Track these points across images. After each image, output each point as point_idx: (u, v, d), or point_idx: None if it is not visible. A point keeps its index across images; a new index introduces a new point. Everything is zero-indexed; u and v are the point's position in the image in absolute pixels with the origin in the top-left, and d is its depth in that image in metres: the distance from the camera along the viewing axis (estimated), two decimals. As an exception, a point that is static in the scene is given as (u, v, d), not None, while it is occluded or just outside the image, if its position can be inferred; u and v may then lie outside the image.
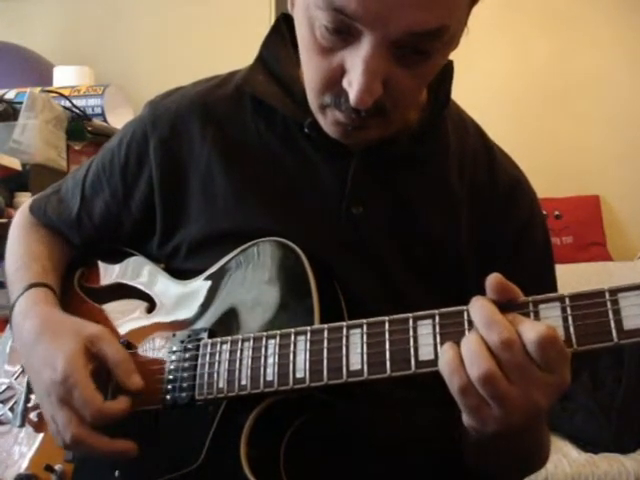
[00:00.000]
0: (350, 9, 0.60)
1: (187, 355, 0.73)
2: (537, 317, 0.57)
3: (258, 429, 0.67)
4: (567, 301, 0.56)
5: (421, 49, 0.63)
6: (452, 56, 0.72)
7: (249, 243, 0.74)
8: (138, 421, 0.73)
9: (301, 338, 0.65)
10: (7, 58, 2.81)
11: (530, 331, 0.54)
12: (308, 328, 0.66)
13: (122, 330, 0.82)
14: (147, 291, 0.84)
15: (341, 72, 0.65)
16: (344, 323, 0.64)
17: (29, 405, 0.85)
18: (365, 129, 0.69)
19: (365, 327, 0.63)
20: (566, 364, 0.55)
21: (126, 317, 0.83)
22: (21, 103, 2.12)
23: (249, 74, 0.81)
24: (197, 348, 0.72)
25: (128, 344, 0.79)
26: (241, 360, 0.68)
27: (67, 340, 0.73)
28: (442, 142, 0.79)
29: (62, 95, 2.36)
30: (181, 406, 0.71)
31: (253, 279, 0.73)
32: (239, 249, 0.75)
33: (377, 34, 0.61)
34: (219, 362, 0.70)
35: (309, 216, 0.77)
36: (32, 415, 0.85)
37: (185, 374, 0.72)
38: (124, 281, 0.88)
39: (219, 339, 0.71)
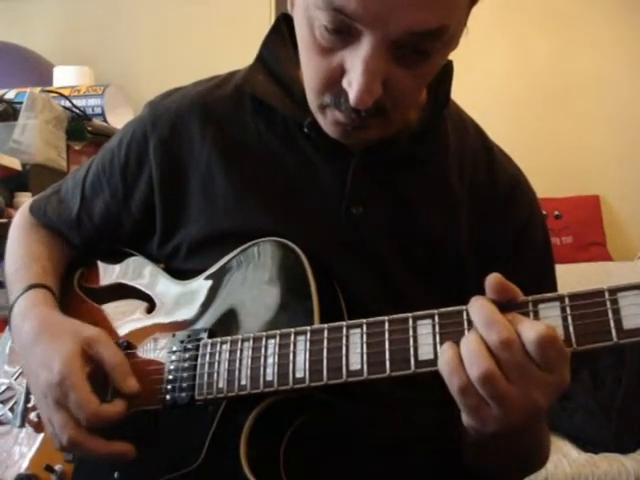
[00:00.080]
0: (350, 9, 0.60)
1: (187, 355, 0.73)
2: (536, 317, 0.57)
3: (258, 429, 0.67)
4: (566, 301, 0.56)
5: (421, 49, 0.63)
6: (452, 56, 0.72)
7: (249, 243, 0.74)
8: (138, 421, 0.73)
9: (301, 338, 0.65)
10: (7, 58, 2.81)
11: (529, 331, 0.54)
12: (308, 328, 0.66)
13: (122, 330, 0.82)
14: (147, 291, 0.84)
15: (341, 72, 0.65)
16: (344, 323, 0.64)
17: (29, 405, 0.85)
18: (365, 129, 0.69)
19: (365, 327, 0.63)
20: (565, 364, 0.55)
21: (126, 317, 0.83)
22: (21, 103, 2.12)
23: (249, 74, 0.81)
24: (197, 348, 0.72)
25: (128, 344, 0.79)
26: (241, 360, 0.68)
27: (64, 342, 0.73)
28: (442, 142, 0.79)
29: (62, 95, 2.36)
30: (181, 406, 0.71)
31: (253, 279, 0.73)
32: (239, 249, 0.75)
33: (377, 34, 0.61)
34: (219, 362, 0.70)
35: (309, 216, 0.77)
36: (32, 415, 0.85)
37: (185, 374, 0.72)
38: (124, 281, 0.88)
39: (219, 339, 0.71)
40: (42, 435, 0.84)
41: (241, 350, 0.69)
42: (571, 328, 0.55)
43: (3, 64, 2.76)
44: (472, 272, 0.76)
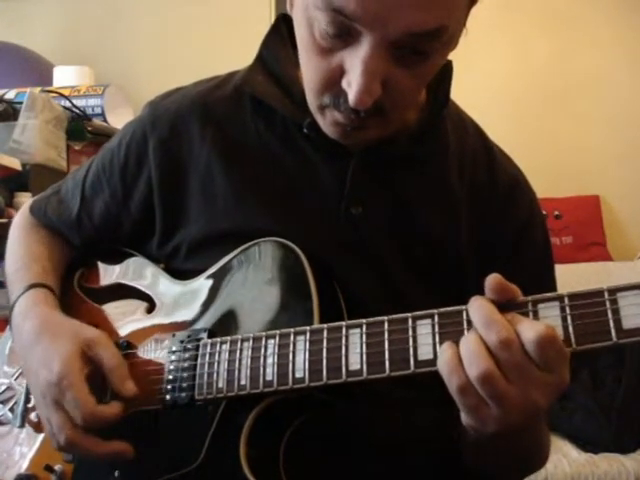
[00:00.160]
0: (349, 10, 0.60)
1: (187, 355, 0.73)
2: (536, 317, 0.57)
3: (257, 429, 0.67)
4: (566, 300, 0.56)
5: (420, 49, 0.63)
6: (452, 56, 0.72)
7: (249, 243, 0.74)
8: (138, 421, 0.73)
9: (300, 338, 0.65)
10: (7, 58, 2.82)
11: (529, 330, 0.54)
12: (307, 328, 0.66)
13: (122, 330, 0.82)
14: (147, 291, 0.84)
15: (340, 73, 0.65)
16: (343, 323, 0.64)
17: (29, 406, 0.85)
18: (364, 129, 0.69)
19: (364, 327, 0.63)
20: (565, 363, 0.55)
21: (126, 317, 0.84)
22: (21, 103, 2.12)
23: (248, 74, 0.81)
24: (197, 348, 0.72)
25: (128, 344, 0.79)
26: (240, 360, 0.68)
27: (65, 342, 0.73)
28: (441, 142, 0.79)
29: (62, 95, 2.36)
30: (181, 406, 0.71)
31: (253, 279, 0.73)
32: (239, 249, 0.75)
33: (376, 35, 0.61)
34: (218, 362, 0.70)
35: (309, 216, 0.77)
36: (32, 416, 0.85)
37: (185, 374, 0.72)
38: (124, 281, 0.88)
39: (218, 339, 0.71)
40: (42, 435, 0.84)
41: (241, 350, 0.69)
42: (570, 328, 0.55)
43: (3, 64, 2.76)
44: (472, 272, 0.76)
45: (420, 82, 0.69)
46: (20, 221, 0.96)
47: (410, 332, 0.61)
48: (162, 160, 0.81)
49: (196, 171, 0.80)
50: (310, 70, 0.68)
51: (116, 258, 0.89)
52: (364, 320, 0.63)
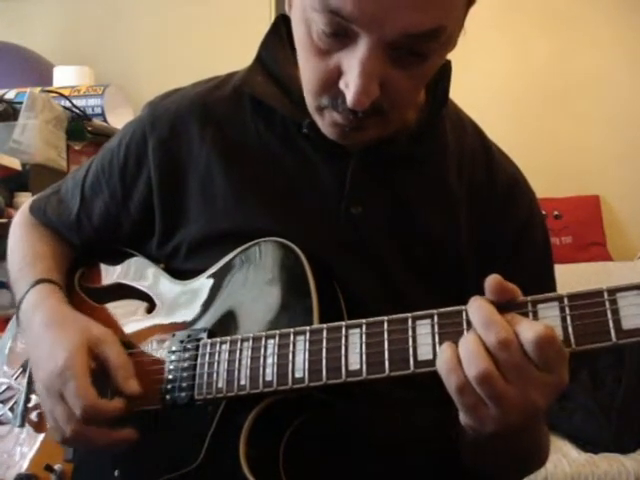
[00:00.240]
0: (346, 11, 0.60)
1: (186, 355, 0.73)
2: (535, 317, 0.57)
3: (257, 429, 0.67)
4: (565, 301, 0.56)
5: (417, 50, 0.63)
6: (452, 56, 0.72)
7: (249, 243, 0.74)
8: (138, 421, 0.73)
9: (300, 338, 0.65)
10: (7, 58, 2.81)
11: (528, 331, 0.54)
12: (307, 328, 0.66)
13: (122, 330, 0.82)
14: (147, 291, 0.84)
15: (338, 74, 0.65)
16: (343, 323, 0.64)
17: (29, 405, 0.85)
18: (362, 130, 0.69)
19: (364, 327, 0.63)
20: (564, 364, 0.55)
21: (126, 317, 0.84)
22: (21, 103, 2.12)
23: (248, 75, 0.81)
24: (196, 348, 0.72)
25: (128, 344, 0.79)
26: (240, 360, 0.68)
27: (72, 336, 0.74)
28: (440, 142, 0.79)
29: (62, 95, 2.36)
30: (180, 406, 0.71)
31: (253, 279, 0.73)
32: (239, 249, 0.75)
33: (373, 36, 0.61)
34: (218, 362, 0.70)
35: (309, 216, 0.77)
36: (32, 415, 0.85)
37: (184, 374, 0.72)
38: (124, 281, 0.88)
39: (218, 339, 0.71)
40: (42, 435, 0.84)
41: (240, 350, 0.69)
42: (570, 328, 0.55)
43: (3, 64, 2.76)
44: (472, 272, 0.76)
45: (418, 83, 0.69)
46: (21, 220, 0.96)
47: (410, 332, 0.61)
48: (162, 160, 0.81)
49: (196, 171, 0.80)
50: (308, 71, 0.68)
51: (116, 258, 0.90)
52: (364, 320, 0.63)
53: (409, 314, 0.62)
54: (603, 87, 3.00)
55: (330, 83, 0.66)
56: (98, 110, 2.42)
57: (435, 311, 0.61)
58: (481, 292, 0.59)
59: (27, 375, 0.86)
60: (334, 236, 0.75)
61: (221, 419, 0.69)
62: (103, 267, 0.92)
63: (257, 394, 0.66)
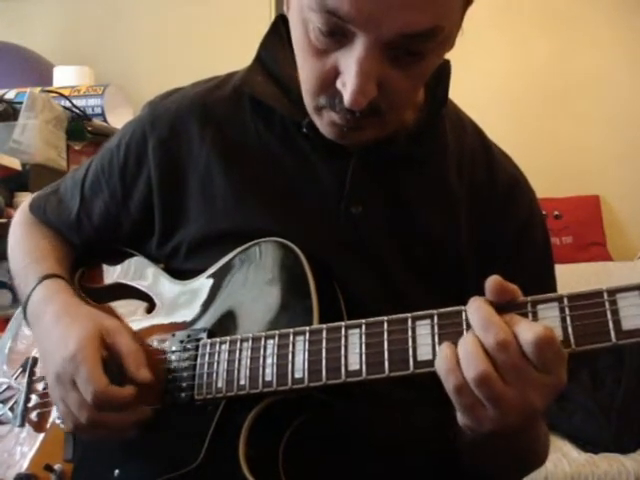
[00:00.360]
0: (343, 11, 0.60)
1: (186, 355, 0.73)
2: (535, 317, 0.57)
3: (257, 429, 0.67)
4: (565, 301, 0.56)
5: (414, 50, 0.63)
6: (451, 56, 0.72)
7: (249, 243, 0.74)
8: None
9: (300, 338, 0.65)
10: (7, 58, 2.81)
11: (527, 332, 0.54)
12: (307, 328, 0.66)
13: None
14: (147, 291, 0.84)
15: (335, 73, 0.65)
16: (343, 323, 0.64)
17: (29, 405, 0.85)
18: (360, 130, 0.69)
19: (364, 327, 0.63)
20: (563, 365, 0.55)
21: (126, 317, 0.84)
22: (21, 103, 2.12)
23: (247, 75, 0.81)
24: (196, 348, 0.73)
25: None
26: (240, 360, 0.68)
27: (84, 325, 0.74)
28: (440, 142, 0.79)
29: (62, 95, 2.36)
30: (180, 406, 0.71)
31: (252, 280, 0.73)
32: (239, 249, 0.75)
33: (370, 36, 0.61)
34: (218, 362, 0.70)
35: (308, 216, 0.77)
36: (32, 415, 0.85)
37: (184, 374, 0.72)
38: (124, 281, 0.88)
39: (218, 339, 0.71)
40: (42, 435, 0.84)
41: (240, 350, 0.69)
42: (570, 329, 0.55)
43: (3, 64, 2.76)
44: (472, 272, 0.76)
45: (416, 82, 0.69)
46: (21, 219, 0.96)
47: (409, 332, 0.61)
48: (162, 160, 0.82)
49: (196, 171, 0.80)
50: (306, 71, 0.68)
51: (117, 258, 0.90)
52: (363, 320, 0.64)
53: (409, 314, 0.62)
54: (603, 87, 3.00)
55: (328, 83, 0.66)
56: (98, 110, 2.42)
57: (435, 311, 0.61)
58: (481, 292, 0.59)
59: (27, 375, 0.86)
60: (334, 236, 0.75)
61: (221, 419, 0.69)
62: (103, 267, 0.92)
63: (257, 394, 0.66)
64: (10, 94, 2.29)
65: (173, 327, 0.78)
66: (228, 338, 0.70)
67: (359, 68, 0.62)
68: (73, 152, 2.30)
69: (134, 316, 0.83)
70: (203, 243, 0.79)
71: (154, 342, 0.78)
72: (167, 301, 0.81)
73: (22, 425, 0.85)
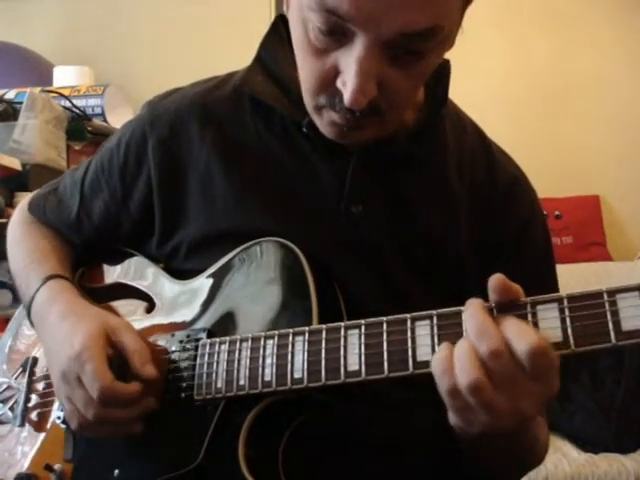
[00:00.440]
0: (342, 10, 0.60)
1: (186, 355, 0.73)
2: (535, 318, 0.57)
3: (256, 429, 0.67)
4: (565, 302, 0.56)
5: (414, 49, 0.63)
6: (451, 56, 0.72)
7: (248, 243, 0.74)
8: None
9: (299, 338, 0.65)
10: (7, 58, 2.81)
11: (521, 341, 0.54)
12: (306, 328, 0.66)
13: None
14: (147, 291, 0.84)
15: (335, 73, 0.65)
16: (342, 324, 0.64)
17: (29, 405, 0.85)
18: (361, 129, 0.69)
19: (363, 328, 0.63)
20: (555, 373, 0.55)
21: (126, 317, 0.83)
22: (21, 103, 2.12)
23: (247, 75, 0.81)
24: (196, 348, 0.73)
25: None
26: (239, 360, 0.68)
27: (89, 323, 0.74)
28: (440, 142, 0.79)
29: (62, 95, 2.36)
30: (180, 406, 0.71)
31: (252, 280, 0.73)
32: (239, 249, 0.75)
33: (370, 35, 0.61)
34: (217, 362, 0.70)
35: (308, 216, 0.77)
36: (32, 415, 0.85)
37: (184, 374, 0.72)
38: (124, 281, 0.88)
39: (217, 339, 0.71)
40: (42, 435, 0.84)
41: (239, 350, 0.69)
42: (569, 330, 0.55)
43: (3, 64, 2.76)
44: (472, 272, 0.76)
45: (416, 82, 0.69)
46: (20, 218, 0.96)
47: (409, 333, 0.61)
48: (161, 160, 0.82)
49: (195, 171, 0.80)
50: (305, 71, 0.68)
51: (117, 258, 0.90)
52: (363, 321, 0.63)
53: (408, 315, 0.62)
54: (603, 87, 3.00)
55: (327, 82, 0.66)
56: (98, 110, 2.42)
57: (434, 312, 0.61)
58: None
59: (27, 375, 0.86)
60: (334, 235, 0.75)
61: (220, 419, 0.69)
62: (103, 267, 0.92)
63: (256, 394, 0.66)
64: (10, 94, 2.28)
65: (173, 327, 0.78)
66: (227, 338, 0.70)
67: (359, 67, 0.62)
68: (73, 152, 2.30)
69: (134, 316, 0.83)
70: (203, 243, 0.79)
71: (154, 342, 0.78)
72: (167, 301, 0.81)
73: (22, 425, 0.85)
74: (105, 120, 2.44)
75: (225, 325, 0.73)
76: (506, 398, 0.55)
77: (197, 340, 0.73)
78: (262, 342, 0.67)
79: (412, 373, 0.60)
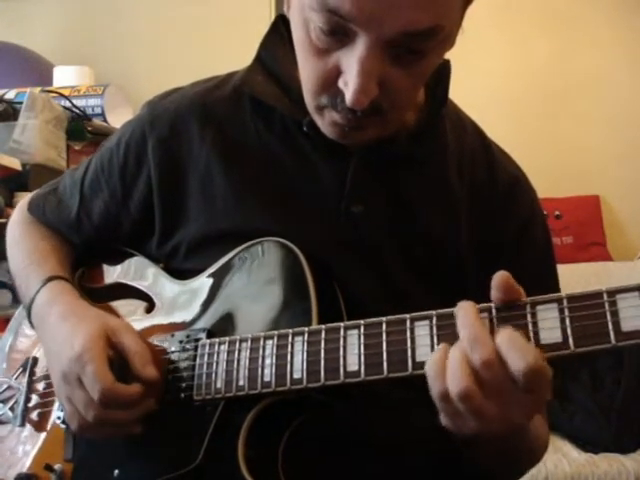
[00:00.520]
0: (344, 10, 0.60)
1: (185, 355, 0.73)
2: (534, 318, 0.57)
3: (256, 429, 0.67)
4: (565, 302, 0.56)
5: (415, 49, 0.63)
6: (451, 56, 0.73)
7: (248, 243, 0.74)
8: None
9: (298, 339, 0.65)
10: (7, 58, 2.81)
11: (519, 360, 0.53)
12: (306, 329, 0.66)
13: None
14: (147, 291, 0.84)
15: (337, 73, 0.65)
16: (341, 324, 0.64)
17: (29, 405, 0.85)
18: (362, 129, 0.69)
19: (362, 328, 0.63)
20: (547, 386, 0.55)
21: (125, 317, 0.84)
22: (21, 103, 2.12)
23: (247, 75, 0.81)
24: (195, 349, 0.73)
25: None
26: (239, 361, 0.68)
27: (90, 325, 0.74)
28: (440, 142, 0.79)
29: (62, 95, 2.36)
30: (179, 406, 0.71)
31: (252, 280, 0.73)
32: (238, 249, 0.75)
33: (371, 35, 0.61)
34: (217, 362, 0.70)
35: (309, 215, 0.77)
36: (33, 415, 0.85)
37: (183, 374, 0.72)
38: (124, 281, 0.88)
39: (217, 339, 0.71)
40: (43, 435, 0.84)
41: (239, 351, 0.69)
42: (569, 330, 0.55)
43: (3, 64, 2.76)
44: (472, 272, 0.76)
45: (417, 81, 0.69)
46: (19, 218, 0.96)
47: (408, 333, 0.61)
48: (161, 159, 0.81)
49: (195, 171, 0.80)
50: (307, 71, 0.68)
51: (117, 258, 0.90)
52: (362, 321, 0.63)
53: (407, 315, 0.61)
54: (603, 87, 3.00)
55: (329, 82, 0.66)
56: (98, 110, 2.42)
57: (434, 312, 0.61)
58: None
59: (27, 375, 0.86)
60: (334, 235, 0.75)
61: (220, 419, 0.69)
62: (103, 267, 0.92)
63: (256, 395, 0.66)
64: (10, 94, 2.28)
65: (172, 327, 0.78)
66: (227, 338, 0.70)
67: (361, 67, 0.62)
68: (73, 152, 2.30)
69: (134, 316, 0.83)
70: (203, 243, 0.79)
71: (154, 342, 0.77)
72: (167, 301, 0.81)
73: (22, 425, 0.85)
74: (105, 120, 2.43)
75: (225, 325, 0.73)
76: (496, 406, 0.55)
77: (197, 340, 0.73)
78: (261, 342, 0.67)
79: (411, 373, 0.60)
